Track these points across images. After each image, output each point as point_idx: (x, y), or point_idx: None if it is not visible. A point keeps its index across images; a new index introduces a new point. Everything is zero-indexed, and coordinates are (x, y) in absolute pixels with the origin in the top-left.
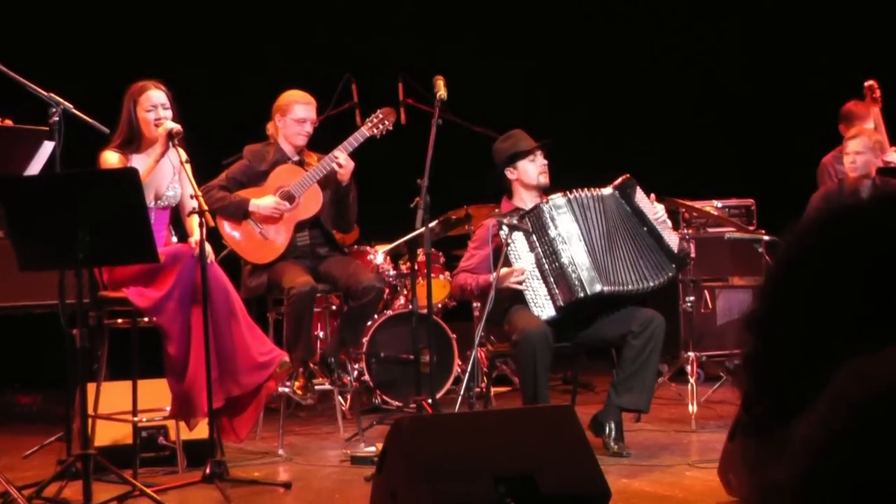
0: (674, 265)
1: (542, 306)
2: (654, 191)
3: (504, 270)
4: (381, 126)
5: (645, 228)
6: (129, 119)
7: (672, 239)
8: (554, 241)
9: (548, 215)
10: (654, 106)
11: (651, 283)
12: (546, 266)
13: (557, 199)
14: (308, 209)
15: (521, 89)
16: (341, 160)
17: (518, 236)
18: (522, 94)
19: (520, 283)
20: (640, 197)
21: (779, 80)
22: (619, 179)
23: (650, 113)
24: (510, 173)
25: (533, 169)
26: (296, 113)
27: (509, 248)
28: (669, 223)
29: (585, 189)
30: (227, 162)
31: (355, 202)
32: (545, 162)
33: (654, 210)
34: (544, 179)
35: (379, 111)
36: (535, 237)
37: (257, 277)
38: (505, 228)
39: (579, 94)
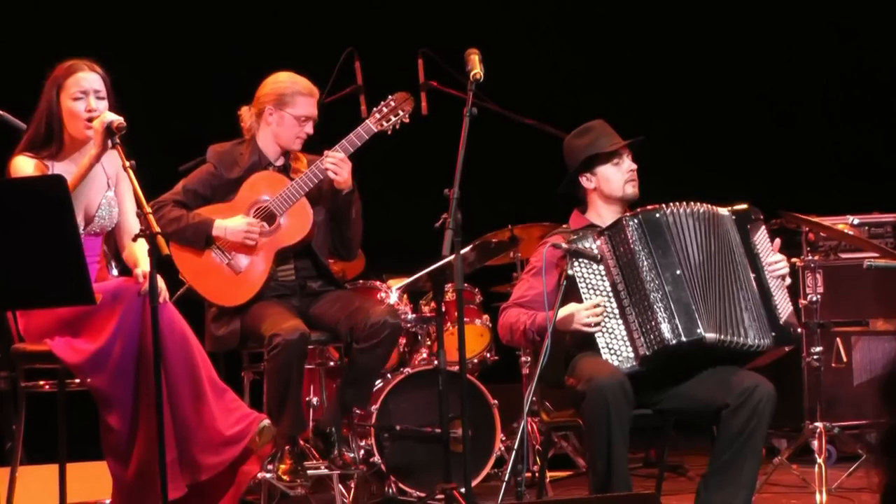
0: (773, 335)
1: (620, 353)
2: (770, 203)
3: (567, 309)
4: (393, 117)
5: (753, 275)
6: (49, 110)
7: (784, 302)
8: (641, 268)
9: (635, 233)
10: (768, 93)
11: (754, 343)
12: (627, 301)
13: (649, 213)
14: (293, 232)
15: (585, 68)
16: (335, 160)
17: (587, 263)
18: (586, 76)
19: (593, 324)
20: (762, 237)
21: None
22: (741, 206)
23: (761, 102)
24: (586, 180)
25: (617, 176)
26: (298, 107)
27: (579, 278)
28: (788, 281)
29: (686, 204)
30: (186, 168)
31: (360, 218)
32: (634, 166)
33: (774, 259)
34: (632, 190)
35: (391, 97)
36: (615, 261)
37: (226, 324)
38: (568, 256)
39: (666, 75)
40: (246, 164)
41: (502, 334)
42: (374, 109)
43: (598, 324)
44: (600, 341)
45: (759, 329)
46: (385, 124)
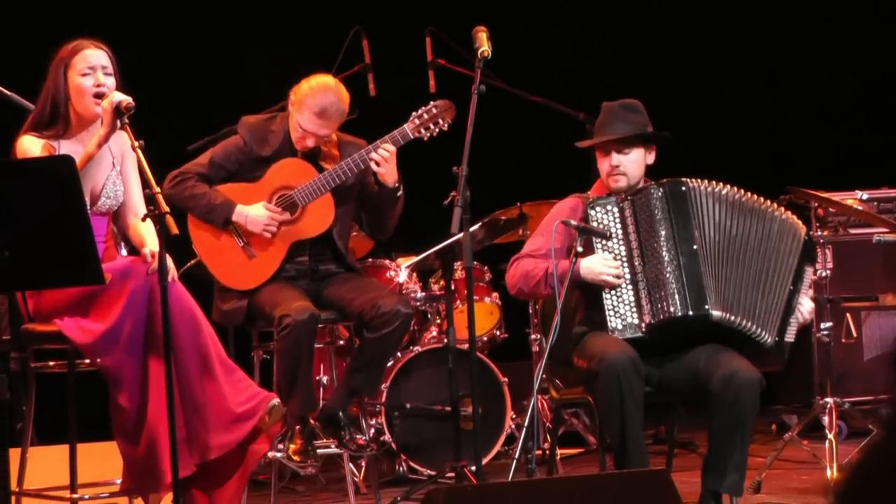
0: (776, 338)
1: (624, 318)
2: (779, 179)
3: (595, 257)
4: (432, 126)
5: (791, 288)
6: (55, 89)
7: (793, 328)
8: (659, 237)
9: (658, 202)
10: (777, 69)
11: (758, 332)
12: (640, 268)
13: (675, 184)
14: (312, 226)
15: (594, 45)
16: (383, 153)
17: (610, 218)
18: (595, 53)
19: (615, 276)
20: (808, 273)
21: None
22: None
23: (769, 79)
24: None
25: (604, 167)
26: (303, 119)
27: (596, 242)
28: (801, 320)
29: (716, 183)
30: (213, 138)
31: (401, 208)
32: (617, 163)
33: (805, 299)
34: (614, 185)
35: (433, 104)
36: (635, 227)
37: (233, 300)
38: (578, 234)
39: (677, 51)
40: (276, 144)
41: (514, 282)
42: (414, 114)
43: (619, 276)
44: (607, 303)
45: (768, 323)
46: (423, 132)
